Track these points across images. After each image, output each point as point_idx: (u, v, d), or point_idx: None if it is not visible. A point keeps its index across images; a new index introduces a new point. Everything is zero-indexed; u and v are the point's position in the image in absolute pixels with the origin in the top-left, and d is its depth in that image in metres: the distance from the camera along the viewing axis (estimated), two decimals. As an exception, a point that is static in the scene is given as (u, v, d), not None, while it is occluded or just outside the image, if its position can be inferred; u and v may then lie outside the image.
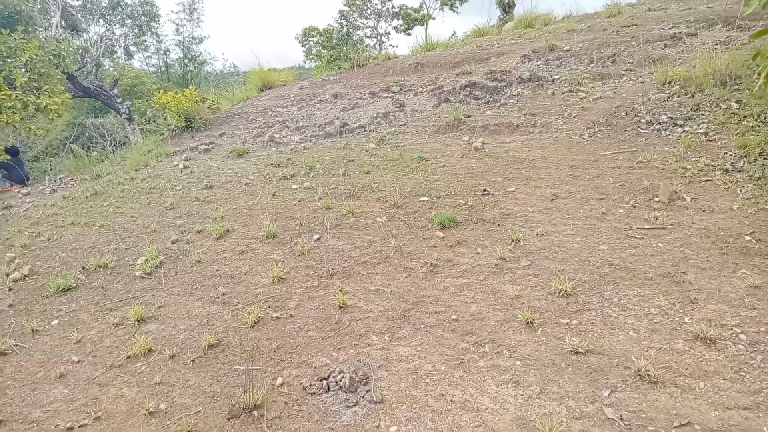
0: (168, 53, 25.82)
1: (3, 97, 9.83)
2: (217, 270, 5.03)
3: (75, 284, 5.11)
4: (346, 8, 20.20)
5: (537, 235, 4.81)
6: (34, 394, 3.67)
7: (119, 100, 17.46)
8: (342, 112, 10.20)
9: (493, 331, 3.66)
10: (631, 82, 8.78)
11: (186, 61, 26.51)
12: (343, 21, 20.11)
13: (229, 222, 5.99)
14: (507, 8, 17.42)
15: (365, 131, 8.96)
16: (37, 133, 10.60)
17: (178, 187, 7.43)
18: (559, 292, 3.96)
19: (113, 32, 18.33)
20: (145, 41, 19.54)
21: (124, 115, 17.55)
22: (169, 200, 6.89)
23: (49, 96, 10.60)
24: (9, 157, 10.24)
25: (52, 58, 10.55)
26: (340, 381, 3.28)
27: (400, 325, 3.86)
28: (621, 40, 10.71)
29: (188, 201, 6.84)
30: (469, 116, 8.51)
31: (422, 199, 5.88)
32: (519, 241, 4.74)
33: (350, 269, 4.73)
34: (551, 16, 15.06)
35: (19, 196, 9.36)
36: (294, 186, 6.77)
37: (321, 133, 9.20)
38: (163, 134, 10.84)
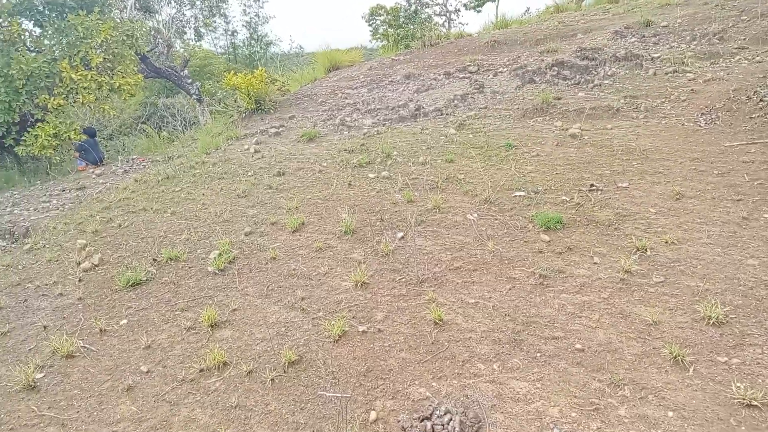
0: (235, 34, 25.75)
1: (79, 77, 9.73)
2: (293, 269, 4.53)
3: (145, 278, 4.75)
4: (414, -15, 19.25)
5: (666, 243, 4.01)
6: (100, 408, 3.28)
7: (189, 81, 17.39)
8: (416, 94, 9.50)
9: (631, 367, 2.95)
10: (746, 61, 7.62)
11: (252, 41, 26.38)
12: (411, -1, 19.20)
13: (304, 214, 5.49)
14: (588, -18, 16.05)
15: (442, 115, 8.25)
16: (111, 113, 10.51)
17: (249, 173, 7.00)
18: (708, 320, 3.18)
19: (183, 13, 18.23)
20: (215, 21, 19.37)
21: (194, 96, 17.49)
22: (241, 187, 6.47)
23: (123, 76, 10.45)
24: (86, 137, 10.19)
25: (125, 38, 10.36)
26: (447, 424, 2.68)
27: (510, 351, 3.21)
28: (727, 15, 9.42)
29: (260, 189, 6.39)
30: (558, 99, 7.62)
31: (517, 194, 5.15)
32: (645, 250, 3.96)
33: (442, 276, 4.10)
34: (641, -10, 13.68)
35: (93, 176, 9.26)
36: (371, 175, 6.18)
37: (394, 117, 8.56)
38: (232, 116, 10.51)
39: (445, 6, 19.30)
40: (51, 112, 9.83)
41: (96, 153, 10.31)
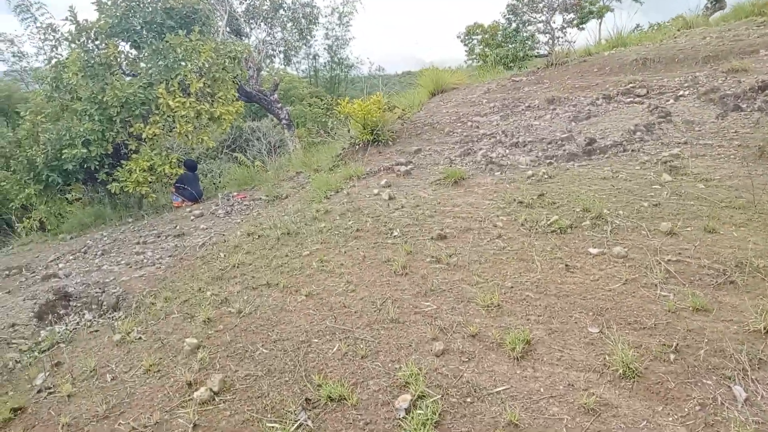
0: (317, 57, 24.37)
1: (177, 105, 8.15)
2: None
3: (296, 435, 2.79)
4: (514, 2, 17.12)
5: None
6: None
7: (279, 105, 15.90)
8: (573, 123, 7.30)
9: None
10: None
11: (333, 65, 24.94)
12: (511, 16, 17.06)
13: (517, 317, 3.41)
14: (719, -5, 13.46)
15: (626, 151, 6.02)
16: (210, 144, 8.89)
17: (394, 232, 5.02)
18: None
19: (273, 36, 16.81)
20: (305, 44, 17.91)
21: (284, 121, 15.95)
22: (393, 257, 4.48)
23: (223, 104, 8.83)
24: (185, 171, 8.62)
25: (227, 61, 8.74)
26: None
27: None
28: None
29: (422, 261, 4.38)
30: (809, 134, 5.26)
31: None
32: None
33: None
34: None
35: (192, 218, 7.59)
36: (592, 250, 4.04)
37: (559, 153, 6.40)
38: (344, 148, 8.67)
39: (548, 23, 17.01)
40: (145, 143, 8.30)
41: (195, 189, 8.70)
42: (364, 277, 4.31)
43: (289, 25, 16.13)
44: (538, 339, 3.16)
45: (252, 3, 15.57)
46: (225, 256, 5.36)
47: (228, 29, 15.76)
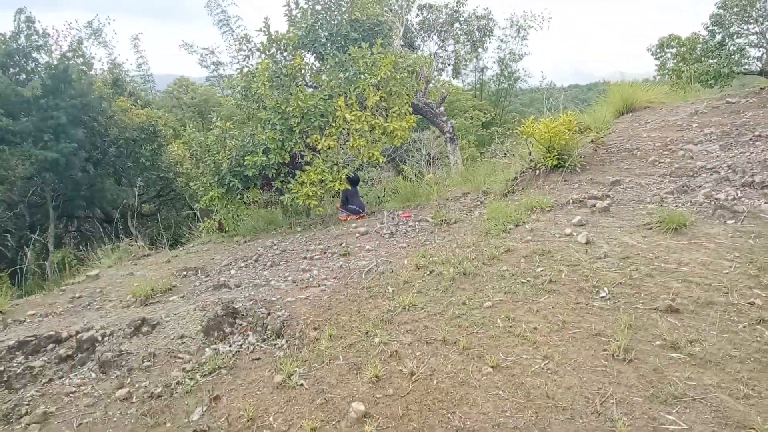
0: (485, 70, 23.42)
1: (353, 118, 7.87)
2: None
3: None
4: (721, 11, 14.39)
5: None
6: None
7: (444, 119, 15.30)
8: None
9: None
10: None
11: (502, 78, 23.77)
12: (715, 28, 14.38)
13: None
14: None
15: None
16: (380, 159, 8.51)
17: (604, 293, 3.93)
18: None
19: (445, 49, 16.29)
20: (477, 57, 17.15)
21: (447, 134, 15.31)
22: (610, 332, 3.42)
23: (396, 118, 8.39)
24: (349, 186, 8.36)
25: (406, 75, 8.28)
26: None
27: None
28: None
29: (651, 345, 3.25)
30: None
31: None
32: None
33: None
34: None
35: (356, 234, 7.21)
36: None
37: (831, 205, 4.69)
38: (521, 171, 7.66)
39: (764, 35, 14.00)
40: (319, 154, 8.17)
41: (357, 203, 8.39)
42: (568, 354, 3.32)
43: (462, 38, 15.47)
44: None
45: (428, 16, 15.20)
46: (393, 291, 4.74)
47: (402, 42, 15.63)
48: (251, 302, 5.17)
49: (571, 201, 6.08)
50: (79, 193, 16.59)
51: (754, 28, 14.40)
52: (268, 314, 4.88)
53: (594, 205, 5.76)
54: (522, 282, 4.35)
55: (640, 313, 3.62)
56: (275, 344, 4.45)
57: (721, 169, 6.11)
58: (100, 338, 4.96)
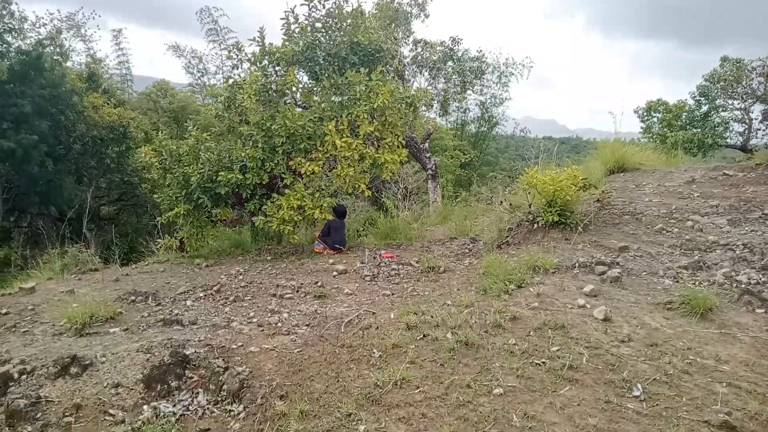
0: (467, 111, 23.22)
1: (342, 144, 7.09)
2: None
3: None
4: (707, 84, 14.56)
5: None
6: None
7: (428, 155, 14.77)
8: None
9: None
10: None
11: (482, 120, 23.61)
12: (702, 99, 14.50)
13: None
14: None
15: None
16: (366, 192, 7.72)
17: (637, 392, 3.20)
18: None
19: (435, 87, 15.87)
20: (466, 97, 16.80)
21: (429, 171, 14.75)
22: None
23: (388, 150, 7.67)
24: (333, 217, 7.51)
25: (403, 106, 7.61)
26: None
27: None
28: None
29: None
30: None
31: None
32: None
33: None
34: None
35: (334, 272, 6.34)
36: None
37: None
38: (517, 223, 7.00)
39: (746, 112, 14.16)
40: (301, 179, 7.33)
41: (339, 237, 7.53)
42: (609, 479, 2.53)
43: (454, 77, 15.08)
44: None
45: (422, 52, 14.78)
46: (380, 357, 3.88)
47: (394, 74, 15.14)
48: (206, 348, 4.22)
49: (577, 264, 5.41)
50: (35, 188, 15.17)
51: (738, 104, 14.57)
52: (226, 369, 3.93)
53: (604, 273, 5.11)
54: (536, 364, 3.58)
55: (687, 426, 2.89)
56: (230, 411, 3.52)
57: (735, 246, 5.60)
58: (16, 376, 3.94)
